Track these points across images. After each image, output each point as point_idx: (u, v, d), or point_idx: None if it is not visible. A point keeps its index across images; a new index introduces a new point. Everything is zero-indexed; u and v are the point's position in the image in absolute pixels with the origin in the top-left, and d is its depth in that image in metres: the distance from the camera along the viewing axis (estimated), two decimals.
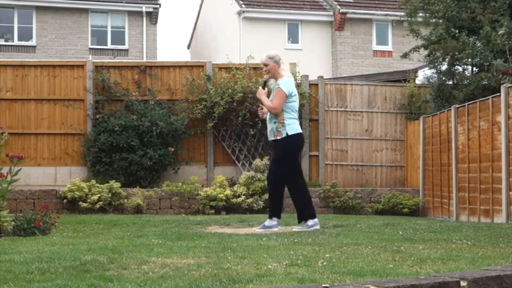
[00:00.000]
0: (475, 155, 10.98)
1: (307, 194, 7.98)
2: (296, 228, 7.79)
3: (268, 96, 7.89)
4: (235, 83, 13.65)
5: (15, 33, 25.16)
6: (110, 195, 12.26)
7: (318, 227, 7.75)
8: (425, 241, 6.15)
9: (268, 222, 7.81)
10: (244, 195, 12.62)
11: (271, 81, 7.98)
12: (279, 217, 7.91)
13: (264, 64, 7.90)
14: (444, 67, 14.14)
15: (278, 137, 7.74)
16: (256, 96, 8.33)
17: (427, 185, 13.35)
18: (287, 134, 7.70)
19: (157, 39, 26.08)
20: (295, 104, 7.82)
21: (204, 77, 13.99)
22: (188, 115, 13.67)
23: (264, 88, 7.94)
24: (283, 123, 7.72)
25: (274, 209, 7.87)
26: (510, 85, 10.00)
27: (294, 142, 7.78)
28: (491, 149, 10.42)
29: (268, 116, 7.88)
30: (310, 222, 7.80)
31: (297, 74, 14.09)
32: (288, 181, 7.89)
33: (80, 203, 12.12)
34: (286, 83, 7.77)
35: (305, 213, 7.88)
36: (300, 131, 7.88)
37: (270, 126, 7.86)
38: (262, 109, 8.04)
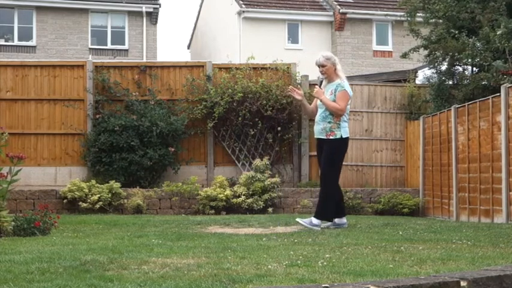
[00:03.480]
0: (475, 155, 10.97)
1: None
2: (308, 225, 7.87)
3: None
4: (236, 83, 13.65)
5: (15, 33, 25.17)
6: (110, 195, 12.24)
7: (318, 228, 7.76)
8: (425, 241, 6.15)
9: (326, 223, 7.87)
10: (244, 195, 12.60)
11: (324, 82, 8.08)
12: (334, 217, 7.99)
13: (321, 65, 7.94)
14: (444, 67, 14.13)
15: (331, 137, 7.84)
16: (314, 95, 8.25)
17: (427, 185, 13.34)
18: (341, 136, 7.83)
19: (157, 39, 26.10)
20: (349, 107, 7.98)
21: (204, 77, 13.98)
22: (188, 115, 13.67)
23: (320, 87, 8.00)
24: (339, 124, 7.82)
25: (332, 210, 7.93)
26: (510, 85, 9.99)
27: (345, 144, 7.95)
28: (491, 149, 10.41)
29: (322, 114, 7.91)
30: (314, 220, 7.86)
31: (297, 74, 14.10)
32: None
33: (80, 203, 12.10)
34: (348, 85, 7.95)
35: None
36: (349, 134, 8.02)
37: (322, 124, 7.89)
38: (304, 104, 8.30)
